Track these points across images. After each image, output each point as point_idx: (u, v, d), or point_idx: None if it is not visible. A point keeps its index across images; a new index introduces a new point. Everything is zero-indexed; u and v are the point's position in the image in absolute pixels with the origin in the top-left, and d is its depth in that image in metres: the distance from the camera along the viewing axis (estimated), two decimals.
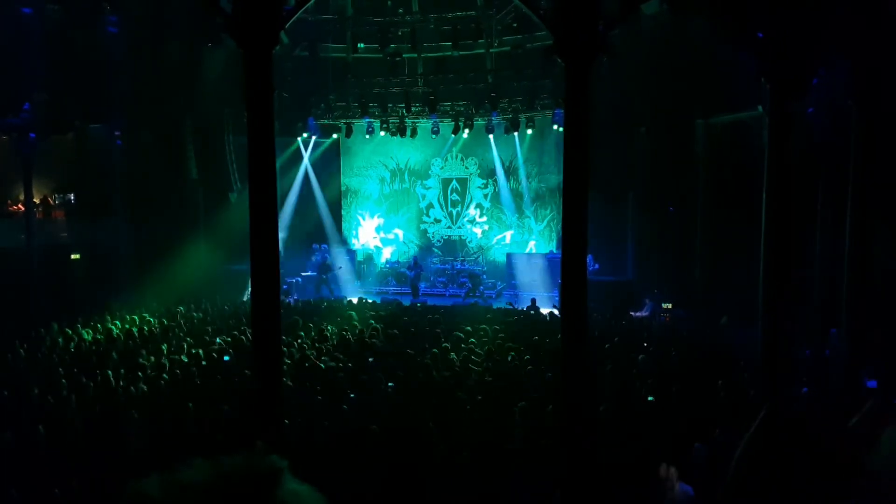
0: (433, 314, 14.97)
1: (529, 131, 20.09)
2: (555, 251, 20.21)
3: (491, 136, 20.78)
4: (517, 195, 21.78)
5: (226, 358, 11.29)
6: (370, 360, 11.19)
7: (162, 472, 1.00)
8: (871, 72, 11.56)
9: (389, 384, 9.76)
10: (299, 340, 12.24)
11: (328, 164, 22.66)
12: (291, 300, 17.84)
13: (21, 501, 6.51)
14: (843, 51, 11.19)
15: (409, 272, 20.39)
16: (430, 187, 22.49)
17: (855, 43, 11.03)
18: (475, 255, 21.75)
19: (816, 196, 13.55)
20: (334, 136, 21.93)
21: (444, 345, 11.63)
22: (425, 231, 22.65)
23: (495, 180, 21.84)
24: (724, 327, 14.13)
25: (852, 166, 12.21)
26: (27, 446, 7.64)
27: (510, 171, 21.74)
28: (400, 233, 22.78)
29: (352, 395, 9.34)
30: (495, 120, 20.03)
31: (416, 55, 19.98)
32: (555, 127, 19.56)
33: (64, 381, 9.79)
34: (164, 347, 11.91)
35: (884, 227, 12.15)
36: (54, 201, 20.05)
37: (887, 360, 10.16)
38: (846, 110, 12.32)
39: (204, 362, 11.06)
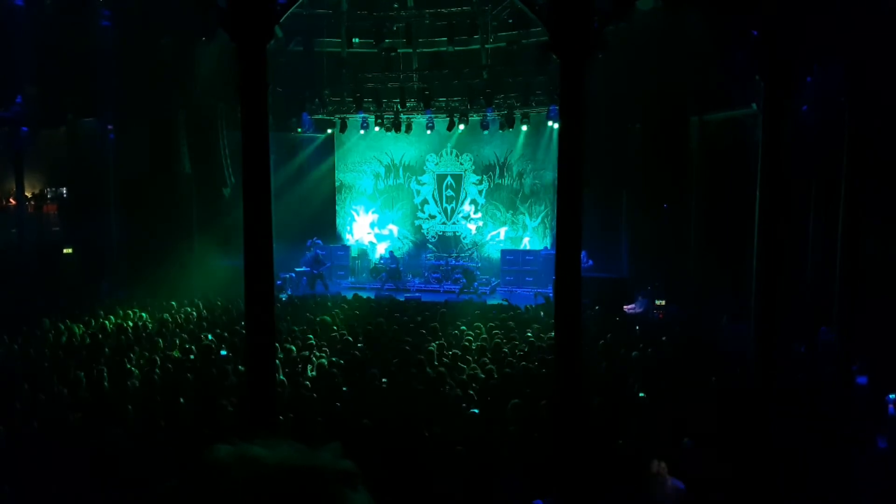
0: (427, 310, 14.97)
1: (524, 127, 20.09)
2: (549, 248, 20.23)
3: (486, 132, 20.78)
4: (511, 191, 21.80)
5: (223, 353, 11.28)
6: (364, 355, 11.19)
7: (239, 445, 0.96)
8: (864, 70, 11.61)
9: (383, 380, 9.77)
10: (292, 335, 12.23)
11: (322, 160, 22.63)
12: (285, 295, 17.82)
13: (14, 498, 6.48)
14: (836, 49, 11.24)
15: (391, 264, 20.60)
16: (424, 183, 22.47)
17: (849, 41, 11.08)
18: (469, 252, 21.74)
19: (809, 193, 13.62)
20: (329, 131, 21.87)
21: (438, 341, 11.65)
22: (420, 227, 22.63)
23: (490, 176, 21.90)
24: (718, 324, 14.18)
25: (845, 164, 12.28)
26: (20, 442, 7.61)
27: (505, 168, 21.76)
28: (394, 228, 22.75)
29: (344, 389, 9.35)
30: (490, 116, 20.01)
31: (411, 50, 19.93)
32: (549, 123, 19.56)
33: (55, 376, 9.76)
34: (160, 342, 11.88)
35: (876, 224, 12.22)
36: (48, 195, 19.94)
37: (878, 357, 10.23)
38: (840, 108, 12.38)
39: (192, 357, 11.05)
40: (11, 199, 18.06)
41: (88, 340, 12.10)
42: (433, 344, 11.34)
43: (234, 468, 0.92)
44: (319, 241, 20.77)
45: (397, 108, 20.17)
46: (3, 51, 14.73)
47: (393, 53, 19.62)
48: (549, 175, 20.55)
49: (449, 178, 22.25)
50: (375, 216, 22.91)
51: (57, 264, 17.73)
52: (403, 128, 20.61)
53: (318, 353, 11.14)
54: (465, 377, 9.61)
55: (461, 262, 20.97)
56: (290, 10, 7.78)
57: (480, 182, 22.02)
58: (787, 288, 11.26)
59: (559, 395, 7.26)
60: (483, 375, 9.79)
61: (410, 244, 22.62)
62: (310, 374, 10.31)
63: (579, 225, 7.19)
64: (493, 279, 20.75)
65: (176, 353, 11.31)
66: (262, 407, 7.10)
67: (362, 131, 21.10)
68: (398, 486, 6.65)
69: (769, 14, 7.72)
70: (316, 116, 21.06)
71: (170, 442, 7.43)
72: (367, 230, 22.98)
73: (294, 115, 20.44)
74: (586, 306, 13.97)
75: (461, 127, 20.25)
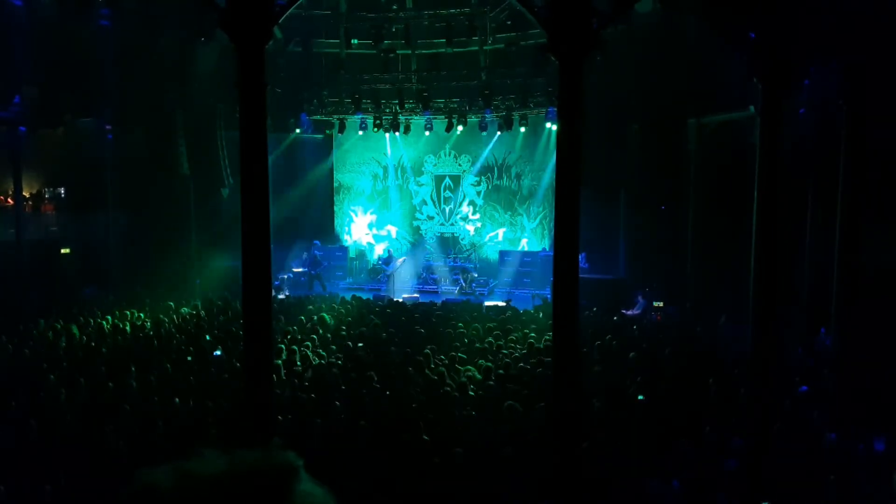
0: (425, 311, 14.96)
1: (522, 129, 20.10)
2: (547, 249, 20.24)
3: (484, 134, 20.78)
4: (510, 193, 21.80)
5: (216, 353, 11.27)
6: (361, 355, 11.18)
7: (173, 464, 0.95)
8: (861, 72, 11.64)
9: (381, 382, 9.76)
10: (289, 336, 12.22)
11: (321, 160, 22.61)
12: (283, 296, 17.81)
13: (10, 498, 6.47)
14: (834, 51, 11.27)
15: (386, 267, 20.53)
16: (423, 184, 22.47)
17: (846, 44, 11.11)
18: (468, 253, 21.75)
19: (807, 195, 13.64)
20: (327, 131, 21.85)
21: (436, 343, 11.64)
22: (418, 228, 22.63)
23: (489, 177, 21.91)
24: (716, 325, 14.19)
25: (842, 166, 12.30)
26: (17, 442, 7.60)
27: (503, 169, 21.77)
28: (393, 229, 22.75)
29: (343, 387, 9.35)
30: (489, 117, 20.02)
31: (409, 51, 19.93)
32: (548, 125, 19.57)
33: (52, 376, 9.74)
34: (155, 343, 11.86)
35: (873, 227, 12.25)
36: (46, 195, 19.91)
37: (876, 358, 10.24)
38: (837, 110, 12.40)
39: (190, 358, 11.03)
40: (9, 199, 18.03)
41: (85, 340, 12.08)
42: (431, 346, 11.33)
43: (169, 490, 0.91)
44: (317, 242, 20.77)
45: (396, 109, 20.17)
46: (1, 50, 14.70)
47: (392, 54, 19.60)
48: (548, 176, 20.57)
49: (447, 180, 22.26)
50: (374, 217, 22.91)
51: (55, 264, 17.70)
52: (402, 129, 20.62)
53: (315, 354, 11.13)
54: (463, 379, 9.61)
55: (459, 263, 20.98)
56: (289, 11, 7.78)
57: (479, 183, 22.03)
58: (785, 290, 11.27)
59: (557, 397, 7.26)
60: (481, 377, 9.79)
61: (409, 245, 22.62)
62: (307, 374, 10.30)
63: (577, 226, 7.19)
64: (492, 280, 20.75)
65: (173, 355, 11.30)
66: (260, 407, 7.09)
67: (361, 132, 21.09)
68: (396, 488, 6.65)
69: (767, 16, 7.74)
70: (314, 117, 21.06)
71: (167, 442, 7.42)
72: (365, 231, 22.98)
73: (293, 115, 20.43)
74: (584, 307, 13.99)
75: (459, 128, 20.25)
